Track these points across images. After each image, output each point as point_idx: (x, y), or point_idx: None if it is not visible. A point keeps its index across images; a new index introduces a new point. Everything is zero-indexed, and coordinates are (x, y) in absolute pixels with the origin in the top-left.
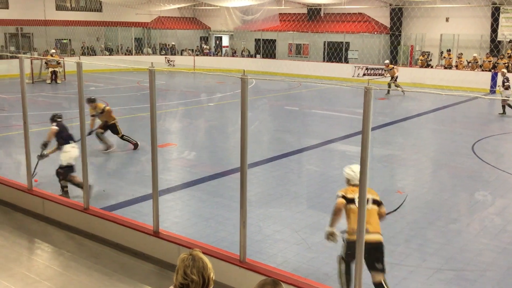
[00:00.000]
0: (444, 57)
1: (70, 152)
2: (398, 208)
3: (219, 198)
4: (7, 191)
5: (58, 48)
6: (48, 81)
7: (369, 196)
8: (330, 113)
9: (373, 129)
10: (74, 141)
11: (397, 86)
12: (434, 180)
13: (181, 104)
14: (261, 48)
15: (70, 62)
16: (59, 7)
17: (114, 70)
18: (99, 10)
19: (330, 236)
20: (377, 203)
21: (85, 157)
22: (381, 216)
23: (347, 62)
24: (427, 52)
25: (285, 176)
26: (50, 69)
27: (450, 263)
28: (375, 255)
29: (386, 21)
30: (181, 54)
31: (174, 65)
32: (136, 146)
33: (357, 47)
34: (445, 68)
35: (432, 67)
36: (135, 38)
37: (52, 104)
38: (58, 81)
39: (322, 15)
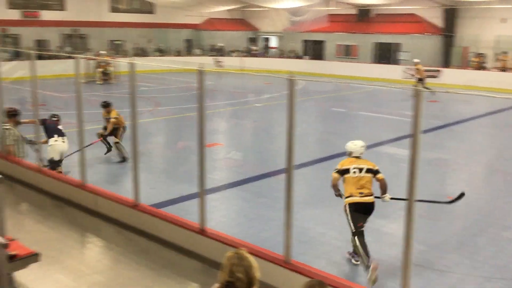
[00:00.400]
0: (500, 59)
1: (53, 146)
2: (452, 201)
3: (264, 198)
4: (61, 186)
5: (112, 49)
6: (99, 82)
7: (364, 166)
8: (378, 115)
9: (423, 132)
10: (60, 136)
11: (425, 88)
12: (487, 186)
13: (228, 105)
14: (309, 49)
15: (123, 63)
16: (113, 9)
17: (165, 71)
18: (151, 12)
19: (337, 194)
20: (371, 171)
21: (137, 155)
22: (379, 181)
23: (397, 64)
24: (481, 54)
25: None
26: (100, 69)
27: (502, 272)
28: (367, 211)
29: (438, 21)
30: (230, 55)
31: (222, 66)
32: (124, 160)
33: (408, 48)
34: (501, 70)
35: (486, 69)
36: (185, 40)
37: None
38: (112, 81)
39: (372, 15)
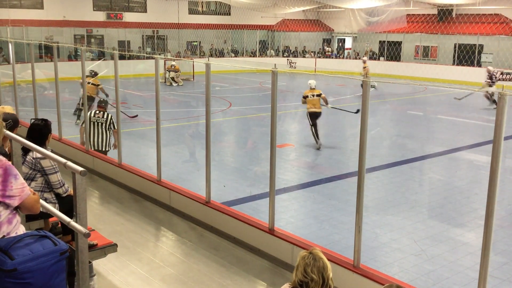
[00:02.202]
0: None
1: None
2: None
3: (335, 201)
4: (139, 181)
5: (189, 50)
6: (168, 84)
7: (315, 93)
8: (458, 119)
9: (506, 138)
10: None
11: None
12: None
13: (300, 106)
14: (385, 50)
15: (199, 63)
16: (191, 11)
17: (239, 71)
18: (228, 13)
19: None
20: (318, 95)
21: (209, 153)
22: (324, 100)
23: (480, 66)
24: None
25: (405, 183)
26: (171, 75)
27: None
28: (316, 117)
29: None
30: (304, 56)
31: (295, 67)
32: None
33: (492, 50)
34: None
35: None
36: (260, 41)
37: (181, 103)
38: (180, 84)
39: (453, 15)
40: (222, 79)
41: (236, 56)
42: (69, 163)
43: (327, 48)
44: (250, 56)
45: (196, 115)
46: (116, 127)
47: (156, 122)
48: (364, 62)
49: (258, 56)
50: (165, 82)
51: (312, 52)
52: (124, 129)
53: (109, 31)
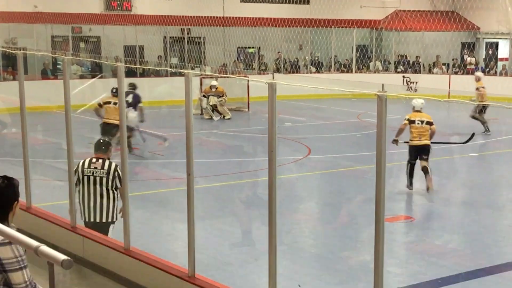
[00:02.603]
0: None
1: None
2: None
3: None
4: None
5: (240, 61)
6: (207, 117)
7: (424, 119)
8: None
9: None
10: None
11: None
12: None
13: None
14: None
15: (258, 83)
16: None
17: (324, 96)
18: (306, 1)
19: (395, 141)
20: (429, 123)
21: (273, 231)
22: (432, 131)
23: None
24: None
25: None
26: (211, 102)
27: None
28: (423, 151)
29: None
30: (429, 71)
31: (416, 89)
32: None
33: None
34: None
35: None
36: (358, 46)
37: (228, 148)
38: (226, 117)
39: None
40: (295, 110)
41: (318, 72)
42: (44, 248)
43: (468, 59)
44: (342, 71)
45: (253, 169)
46: (121, 184)
47: (187, 180)
48: (479, 79)
49: (356, 72)
50: (201, 113)
51: (443, 65)
52: (134, 191)
53: (110, 30)
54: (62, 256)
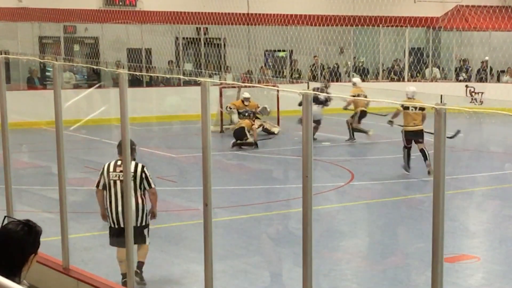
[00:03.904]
0: None
1: None
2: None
3: None
4: None
5: (268, 68)
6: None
7: (417, 104)
8: None
9: None
10: None
11: None
12: None
13: (493, 178)
14: None
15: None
16: None
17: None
18: None
19: (390, 122)
20: (421, 109)
21: (309, 274)
22: (423, 116)
23: None
24: None
25: None
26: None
27: None
28: (418, 135)
29: None
30: (498, 80)
31: (481, 101)
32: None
33: None
34: None
35: None
36: (412, 49)
37: (255, 173)
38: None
39: None
40: (335, 126)
41: (363, 80)
42: None
43: None
44: (392, 79)
45: (284, 198)
46: (151, 185)
47: (203, 211)
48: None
49: (409, 80)
50: (221, 131)
51: None
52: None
53: (110, 29)
54: None
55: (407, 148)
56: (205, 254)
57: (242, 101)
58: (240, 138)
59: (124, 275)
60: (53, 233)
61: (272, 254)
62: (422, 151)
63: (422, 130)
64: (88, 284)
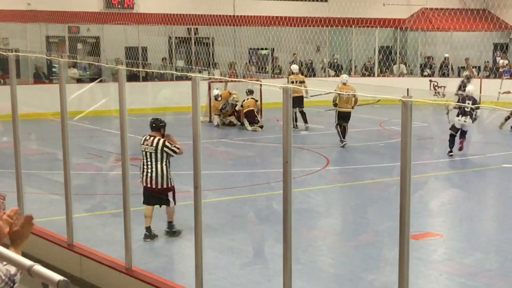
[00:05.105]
0: None
1: None
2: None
3: None
4: None
5: (252, 64)
6: (218, 122)
7: (350, 91)
8: None
9: None
10: None
11: None
12: None
13: (453, 163)
14: None
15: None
16: None
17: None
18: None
19: (335, 105)
20: (353, 95)
21: (288, 249)
22: (356, 100)
23: None
24: None
25: None
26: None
27: None
28: (347, 117)
29: None
30: (458, 75)
31: (444, 94)
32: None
33: None
34: None
35: None
36: (381, 47)
37: (241, 159)
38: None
39: None
40: (313, 116)
41: (337, 75)
42: (38, 268)
43: (501, 61)
44: (363, 75)
45: (265, 181)
46: (174, 151)
47: (194, 193)
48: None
49: (378, 75)
50: (209, 121)
51: (473, 67)
52: (135, 206)
53: (110, 29)
54: (57, 277)
55: (341, 126)
56: (195, 231)
57: (216, 99)
58: (252, 118)
59: (147, 229)
60: (59, 213)
61: (255, 232)
62: (346, 127)
63: (350, 112)
64: (90, 259)
